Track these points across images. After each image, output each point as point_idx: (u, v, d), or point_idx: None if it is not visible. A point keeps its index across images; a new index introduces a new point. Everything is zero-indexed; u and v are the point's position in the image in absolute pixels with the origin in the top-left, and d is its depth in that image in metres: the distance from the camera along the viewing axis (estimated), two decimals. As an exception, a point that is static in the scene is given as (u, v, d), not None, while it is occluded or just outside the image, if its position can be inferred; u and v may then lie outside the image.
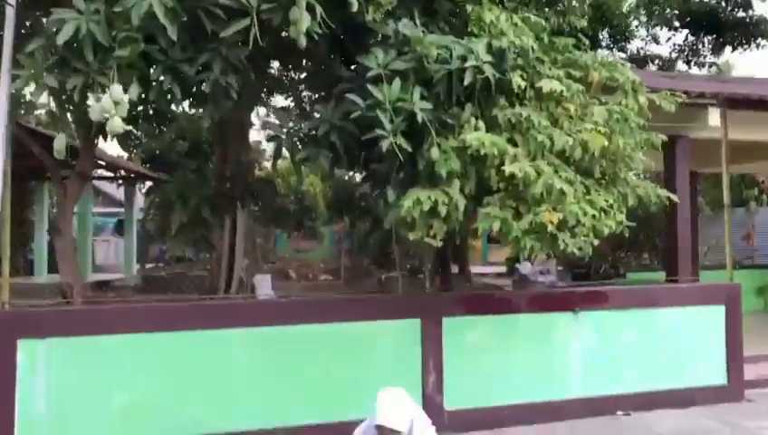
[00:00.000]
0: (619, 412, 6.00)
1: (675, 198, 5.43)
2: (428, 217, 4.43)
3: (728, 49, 14.99)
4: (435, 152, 4.26)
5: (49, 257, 17.85)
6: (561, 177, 4.42)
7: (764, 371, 7.45)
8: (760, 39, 14.47)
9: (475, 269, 19.43)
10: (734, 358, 6.48)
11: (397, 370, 5.37)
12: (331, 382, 5.16)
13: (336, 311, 5.36)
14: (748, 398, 6.53)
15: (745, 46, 14.64)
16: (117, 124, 3.63)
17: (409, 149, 4.11)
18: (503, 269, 21.47)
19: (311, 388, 5.13)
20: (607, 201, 4.74)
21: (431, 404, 5.40)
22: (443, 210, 4.27)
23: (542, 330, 5.93)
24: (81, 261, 16.49)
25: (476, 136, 4.18)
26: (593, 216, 4.71)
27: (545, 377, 5.87)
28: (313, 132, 4.44)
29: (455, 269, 15.45)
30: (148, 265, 20.93)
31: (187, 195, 5.05)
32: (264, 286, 12.59)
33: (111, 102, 3.58)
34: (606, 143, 4.48)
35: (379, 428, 3.06)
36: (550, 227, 4.47)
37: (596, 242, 5.07)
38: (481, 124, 4.41)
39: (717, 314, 6.53)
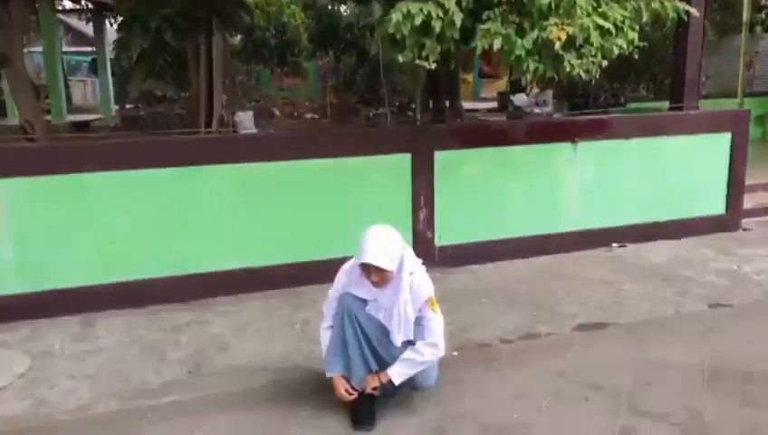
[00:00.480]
0: (615, 245, 5.84)
1: (695, 12, 4.84)
2: (420, 35, 3.88)
3: None
4: (427, -45, 3.62)
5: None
6: (572, -15, 3.82)
7: (761, 199, 7.32)
8: None
9: (466, 105, 18.87)
10: (736, 187, 6.24)
11: (386, 206, 5.08)
12: (318, 220, 4.88)
13: (322, 146, 4.95)
14: (745, 226, 6.39)
15: None
16: None
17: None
18: (495, 105, 20.97)
19: (296, 226, 4.86)
20: (622, 15, 4.17)
21: (422, 241, 5.18)
22: (437, 26, 3.71)
23: (538, 162, 5.59)
24: (54, 101, 15.83)
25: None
26: (606, 32, 4.18)
27: (540, 211, 5.62)
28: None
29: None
30: (129, 106, 20.22)
31: (145, 16, 4.39)
32: (247, 124, 12.10)
33: None
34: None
35: (365, 266, 2.78)
36: (557, 46, 3.95)
37: (604, 63, 4.59)
38: None
39: (723, 142, 6.19)
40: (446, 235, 5.32)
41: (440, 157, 5.25)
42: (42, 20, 15.59)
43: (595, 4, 4.24)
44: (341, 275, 3.00)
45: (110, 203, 4.48)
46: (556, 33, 3.82)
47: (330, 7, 19.93)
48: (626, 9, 4.47)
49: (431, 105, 14.49)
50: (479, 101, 25.04)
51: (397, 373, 2.87)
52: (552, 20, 3.81)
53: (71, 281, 4.45)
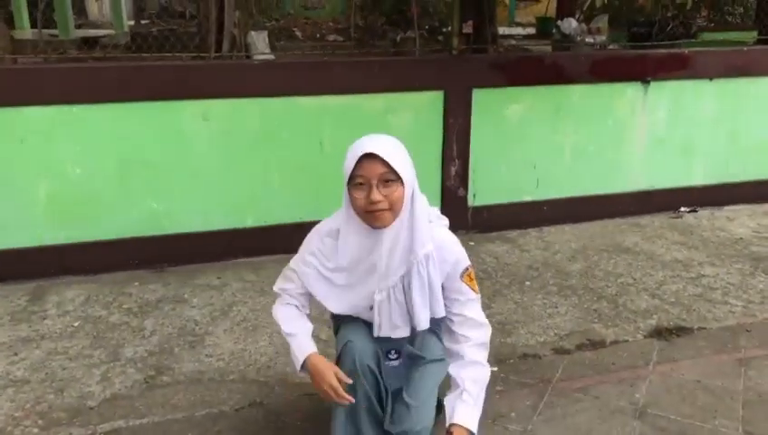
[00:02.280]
0: (684, 209, 4.84)
1: None
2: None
3: None
4: None
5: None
6: None
7: None
8: None
9: (500, 31, 17.38)
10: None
11: (412, 155, 4.11)
12: (323, 173, 3.89)
13: (330, 78, 3.94)
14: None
15: None
16: None
17: None
18: (532, 31, 19.39)
19: (296, 180, 3.91)
20: None
21: (452, 201, 4.23)
22: None
23: (599, 105, 4.54)
24: (60, 15, 14.76)
25: None
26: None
27: (597, 165, 4.61)
28: None
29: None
30: (145, 22, 19.09)
31: None
32: (260, 46, 10.97)
33: None
34: None
35: (358, 182, 1.77)
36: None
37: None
38: None
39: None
40: (482, 193, 4.36)
41: (479, 95, 4.23)
42: None
43: None
44: (314, 239, 1.97)
45: (67, 144, 3.58)
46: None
47: None
48: None
49: (464, 29, 13.17)
50: (513, 26, 23.34)
51: (471, 418, 1.90)
52: None
53: (20, 240, 3.62)
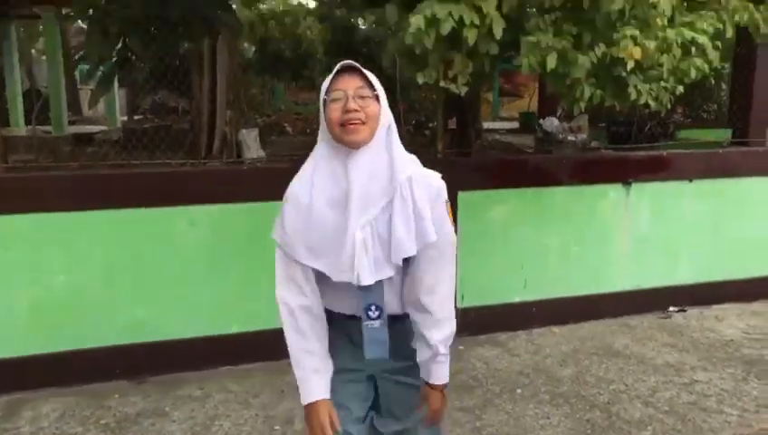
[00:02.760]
0: (672, 308, 4.83)
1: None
2: (447, 49, 2.93)
3: None
4: (461, -59, 2.67)
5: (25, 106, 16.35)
6: (651, -14, 2.84)
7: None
8: None
9: (484, 125, 17.89)
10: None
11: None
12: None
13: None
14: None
15: None
16: None
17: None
18: (515, 125, 19.96)
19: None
20: (711, 25, 3.20)
21: (441, 302, 4.19)
22: (471, 35, 2.76)
23: (583, 207, 4.60)
24: (54, 112, 15.05)
25: None
26: (686, 49, 3.21)
27: (584, 266, 4.62)
28: None
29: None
30: (138, 117, 19.49)
31: (103, 19, 3.48)
32: (251, 143, 11.16)
33: None
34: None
35: (334, 90, 1.71)
36: (629, 66, 2.98)
37: (680, 89, 3.62)
38: None
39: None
40: (470, 295, 4.34)
41: (464, 198, 4.28)
42: (44, 24, 14.89)
43: (673, 13, 3.28)
44: (286, 206, 1.81)
45: (53, 251, 3.56)
46: (630, 49, 2.85)
47: (351, 20, 19.12)
48: (709, 19, 3.49)
49: (449, 125, 13.51)
50: (497, 120, 24.04)
51: (446, 374, 1.85)
52: (626, 30, 2.84)
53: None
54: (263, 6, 19.02)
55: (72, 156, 10.77)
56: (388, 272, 1.74)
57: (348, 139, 1.69)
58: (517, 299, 4.47)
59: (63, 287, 3.58)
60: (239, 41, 12.90)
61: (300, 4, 19.00)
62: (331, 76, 1.75)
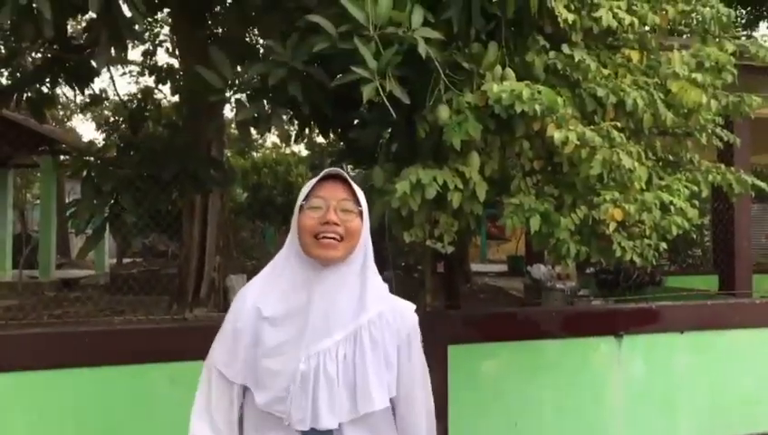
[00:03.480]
0: (674, 468, 4.60)
1: (765, 186, 3.99)
2: (433, 210, 3.00)
3: (763, 24, 13.60)
4: (444, 111, 2.80)
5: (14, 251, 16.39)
6: (627, 151, 2.98)
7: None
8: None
9: (473, 268, 18.04)
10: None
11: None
12: None
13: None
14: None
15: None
16: None
17: (406, 101, 2.65)
18: (503, 267, 20.13)
19: None
20: (688, 189, 3.31)
21: (431, 465, 3.98)
22: (455, 199, 2.83)
23: (575, 360, 4.52)
24: (42, 256, 15.07)
25: (508, 87, 2.73)
26: (666, 209, 3.30)
27: (579, 422, 4.46)
28: (264, 83, 2.98)
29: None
30: (127, 261, 19.52)
31: (97, 179, 3.58)
32: (239, 289, 11.09)
33: None
34: (703, 100, 3.04)
35: (321, 187, 1.59)
36: (611, 227, 3.04)
37: (663, 246, 3.67)
38: (510, 72, 2.96)
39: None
40: (462, 456, 4.14)
41: (454, 352, 4.20)
42: (42, 172, 15.31)
43: (650, 176, 3.41)
44: (231, 311, 1.67)
45: (23, 413, 3.39)
46: (611, 211, 2.92)
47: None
48: (682, 181, 3.63)
49: (437, 268, 13.60)
50: (486, 262, 24.28)
51: None
52: (606, 194, 2.93)
53: None
54: (256, 155, 19.80)
55: (55, 302, 10.63)
56: (329, 422, 1.52)
57: (320, 253, 1.52)
58: (512, 460, 4.26)
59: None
60: (231, 190, 13.27)
61: (292, 153, 19.79)
62: (314, 181, 1.60)
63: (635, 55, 3.35)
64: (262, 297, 1.57)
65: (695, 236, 8.85)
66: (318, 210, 1.55)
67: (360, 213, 1.58)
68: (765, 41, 17.27)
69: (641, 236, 3.56)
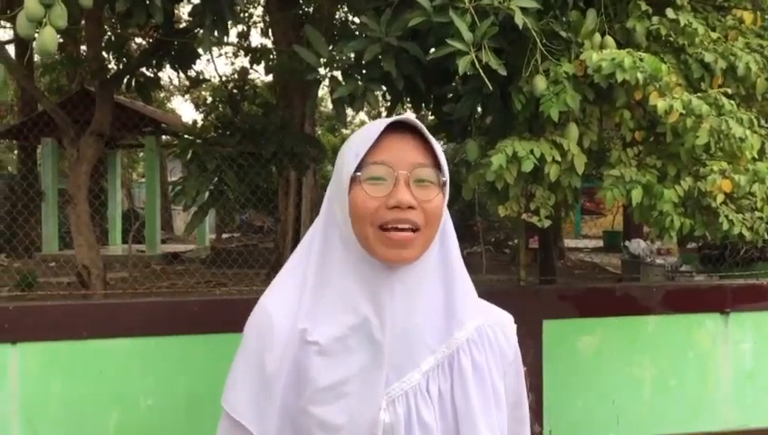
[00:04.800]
0: (786, 452, 4.38)
1: None
2: (529, 183, 2.97)
3: None
4: (541, 82, 2.75)
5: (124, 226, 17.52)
6: (738, 118, 2.82)
7: None
8: None
9: (567, 244, 17.64)
10: None
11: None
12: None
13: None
14: None
15: None
16: (48, 39, 2.36)
17: (502, 73, 2.62)
18: (599, 243, 19.57)
19: None
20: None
21: (526, 439, 3.98)
22: (553, 172, 2.79)
23: (677, 337, 4.36)
24: (149, 232, 16.01)
25: (608, 55, 2.64)
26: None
27: (682, 401, 4.31)
28: (358, 60, 3.03)
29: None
30: (226, 236, 20.39)
31: (202, 156, 3.78)
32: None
33: (38, 4, 2.32)
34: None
35: (384, 148, 1.03)
36: (718, 199, 2.91)
37: (777, 220, 3.47)
38: (610, 40, 2.87)
39: None
40: (558, 430, 4.11)
41: (549, 327, 4.16)
42: (147, 151, 16.19)
43: (763, 144, 3.22)
44: (248, 342, 1.19)
45: (141, 376, 3.67)
46: (719, 183, 2.79)
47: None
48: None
49: (530, 244, 13.39)
50: (579, 238, 23.66)
51: None
52: (713, 164, 2.80)
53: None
54: (345, 132, 20.08)
55: (163, 273, 11.30)
56: None
57: (389, 254, 1.00)
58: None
59: (150, 411, 3.64)
60: (323, 165, 13.56)
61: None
62: (370, 134, 1.02)
63: (747, 16, 3.15)
64: (301, 312, 1.04)
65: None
66: (380, 184, 1.00)
67: (444, 185, 1.04)
68: None
69: (752, 208, 3.39)
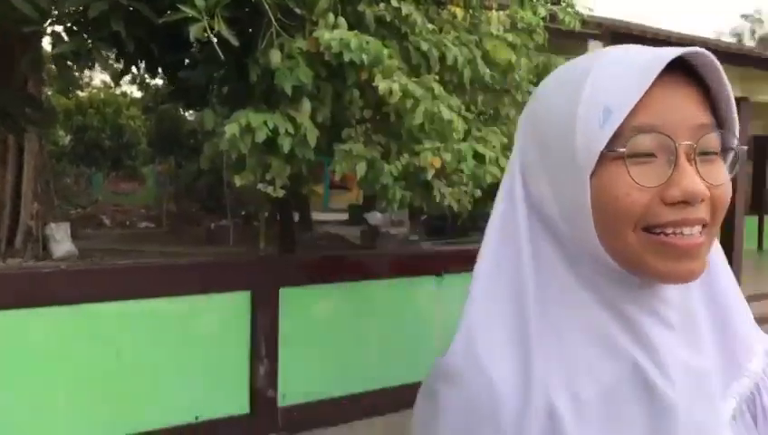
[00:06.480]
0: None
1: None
2: (264, 154, 3.05)
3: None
4: (275, 56, 2.83)
5: None
6: (447, 104, 3.21)
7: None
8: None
9: (314, 216, 18.23)
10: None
11: (216, 361, 4.00)
12: (121, 389, 3.65)
13: (138, 283, 3.84)
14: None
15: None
16: None
17: (234, 43, 2.65)
18: (345, 216, 20.56)
19: (105, 397, 3.62)
20: (500, 142, 3.64)
21: (262, 402, 4.12)
22: (286, 143, 2.90)
23: (401, 299, 4.85)
24: None
25: (338, 34, 2.82)
26: (481, 159, 3.61)
27: (403, 357, 4.81)
28: (84, 16, 2.82)
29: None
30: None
31: None
32: (60, 238, 10.42)
33: None
34: (513, 58, 3.33)
35: (652, 101, 0.62)
36: (430, 174, 3.28)
37: (478, 193, 4.02)
38: (342, 21, 3.05)
39: None
40: (292, 393, 4.31)
41: (286, 295, 4.33)
42: None
43: (469, 128, 3.70)
44: (467, 391, 0.70)
45: None
46: (430, 159, 3.15)
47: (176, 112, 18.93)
48: (499, 134, 3.98)
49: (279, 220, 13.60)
50: (328, 211, 24.61)
51: None
52: (427, 144, 3.15)
53: None
54: (81, 94, 18.29)
55: None
56: None
57: (671, 269, 0.65)
58: (338, 394, 4.51)
59: None
60: (52, 131, 12.25)
61: (123, 94, 18.51)
62: (634, 73, 0.63)
63: (459, 13, 3.58)
64: (534, 374, 0.68)
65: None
66: (649, 163, 0.63)
67: (735, 157, 0.70)
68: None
69: (459, 183, 3.88)
